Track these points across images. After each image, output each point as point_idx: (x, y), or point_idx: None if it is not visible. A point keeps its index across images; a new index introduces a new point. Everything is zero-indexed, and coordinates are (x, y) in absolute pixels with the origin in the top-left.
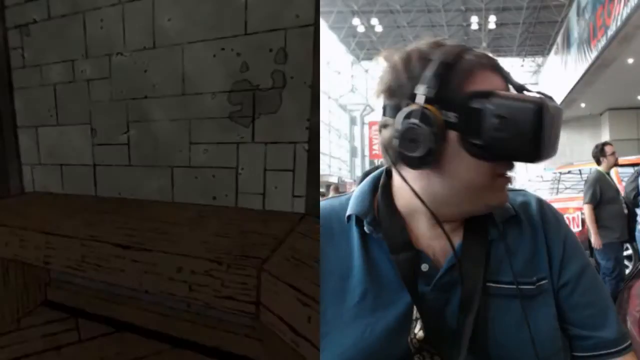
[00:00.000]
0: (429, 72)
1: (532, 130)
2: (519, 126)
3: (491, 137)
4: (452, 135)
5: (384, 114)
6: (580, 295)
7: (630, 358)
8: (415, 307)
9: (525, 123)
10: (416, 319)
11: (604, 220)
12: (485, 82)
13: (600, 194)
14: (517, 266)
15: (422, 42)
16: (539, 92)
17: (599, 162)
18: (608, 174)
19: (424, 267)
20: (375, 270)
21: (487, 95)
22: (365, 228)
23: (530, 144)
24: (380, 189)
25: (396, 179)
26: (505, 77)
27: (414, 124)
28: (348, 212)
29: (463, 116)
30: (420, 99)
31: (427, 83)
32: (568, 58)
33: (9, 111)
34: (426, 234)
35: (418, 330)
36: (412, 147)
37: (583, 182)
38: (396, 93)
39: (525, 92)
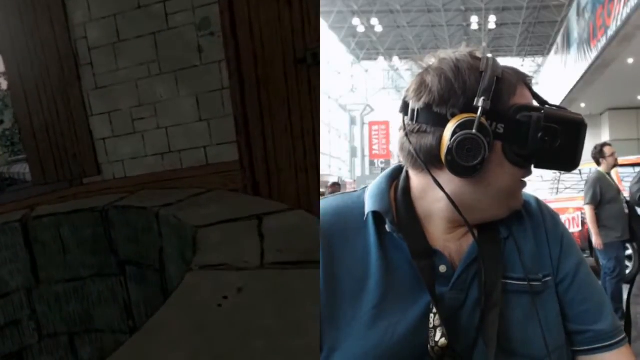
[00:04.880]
0: (483, 85)
1: (576, 142)
2: (567, 138)
3: (537, 147)
4: (497, 145)
5: (416, 120)
6: (577, 291)
7: (626, 350)
8: (432, 315)
9: (572, 135)
10: (434, 327)
11: (605, 220)
12: (523, 96)
13: (601, 194)
14: (525, 263)
15: (459, 52)
16: (558, 106)
17: (598, 163)
18: (608, 174)
19: (442, 268)
20: (393, 271)
21: (534, 109)
22: (387, 227)
23: (572, 154)
24: (400, 190)
25: (416, 181)
26: (532, 91)
27: (473, 134)
28: (370, 209)
29: (510, 127)
30: (477, 110)
31: (485, 95)
32: (568, 58)
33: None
34: (442, 236)
35: (439, 338)
36: (468, 156)
37: (583, 182)
38: (447, 102)
39: (546, 106)
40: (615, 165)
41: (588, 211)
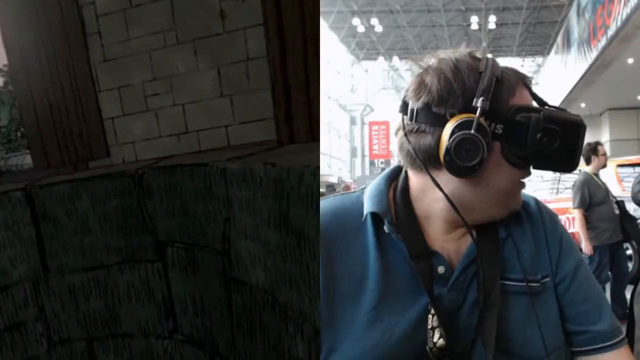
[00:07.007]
0: (482, 85)
1: (575, 143)
2: (566, 139)
3: (536, 148)
4: (496, 145)
5: (415, 120)
6: (575, 292)
7: (625, 351)
8: (431, 316)
9: (571, 136)
10: (433, 328)
11: (595, 222)
12: (523, 96)
13: (590, 196)
14: (523, 264)
15: (458, 53)
16: (557, 107)
17: (588, 162)
18: (596, 174)
19: (441, 269)
20: (391, 272)
21: (533, 109)
22: (385, 228)
23: (571, 155)
24: (399, 191)
25: (415, 182)
26: (531, 92)
27: (472, 134)
28: (368, 210)
29: (509, 128)
30: (476, 110)
31: (484, 96)
32: (568, 58)
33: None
34: (440, 237)
35: (438, 339)
36: (466, 156)
37: None
38: (446, 102)
39: (545, 107)
40: (604, 166)
41: (577, 215)
